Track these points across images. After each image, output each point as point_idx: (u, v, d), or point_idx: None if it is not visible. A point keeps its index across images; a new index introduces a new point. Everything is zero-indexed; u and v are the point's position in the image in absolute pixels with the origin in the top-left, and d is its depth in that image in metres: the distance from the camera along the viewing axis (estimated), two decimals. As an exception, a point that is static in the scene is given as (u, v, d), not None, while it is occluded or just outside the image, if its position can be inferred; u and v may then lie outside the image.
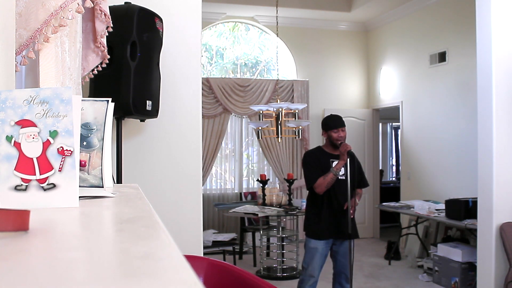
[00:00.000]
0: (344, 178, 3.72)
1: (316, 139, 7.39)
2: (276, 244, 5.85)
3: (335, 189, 3.72)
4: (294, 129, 5.38)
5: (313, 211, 3.86)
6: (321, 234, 3.77)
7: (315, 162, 3.81)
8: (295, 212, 5.54)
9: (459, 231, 5.66)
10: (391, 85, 7.47)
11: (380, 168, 8.69)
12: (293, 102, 7.17)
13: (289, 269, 5.70)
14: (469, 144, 5.53)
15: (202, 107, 2.98)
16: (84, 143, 1.15)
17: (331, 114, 3.90)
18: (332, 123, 3.78)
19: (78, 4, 1.44)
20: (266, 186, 6.01)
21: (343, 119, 3.86)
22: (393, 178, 10.84)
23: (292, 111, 5.48)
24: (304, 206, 5.69)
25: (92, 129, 1.16)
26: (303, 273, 3.86)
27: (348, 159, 3.64)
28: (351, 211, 3.68)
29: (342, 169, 3.75)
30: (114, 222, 0.84)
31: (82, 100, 1.12)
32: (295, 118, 5.47)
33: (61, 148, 0.89)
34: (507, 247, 3.61)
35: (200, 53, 2.98)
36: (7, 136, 0.87)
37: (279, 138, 5.47)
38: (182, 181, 2.86)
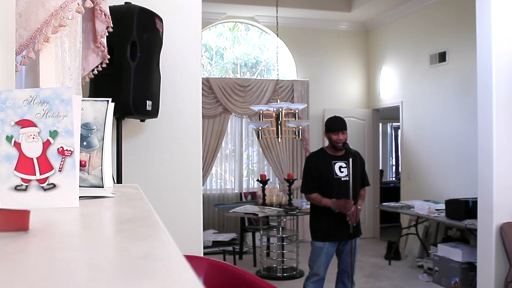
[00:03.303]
0: (347, 179, 3.72)
1: (316, 139, 7.39)
2: (276, 244, 5.85)
3: (339, 190, 3.73)
4: (294, 129, 5.38)
5: (316, 214, 3.88)
6: (326, 236, 3.78)
7: (311, 169, 3.84)
8: (295, 212, 5.54)
9: (459, 231, 5.66)
10: (391, 85, 7.47)
11: (380, 168, 8.69)
12: (293, 102, 7.17)
13: (289, 269, 5.69)
14: (469, 144, 5.53)
15: (202, 107, 2.98)
16: (84, 143, 1.15)
17: (334, 116, 3.91)
18: (333, 126, 3.79)
19: (78, 4, 1.44)
20: (266, 186, 6.01)
21: (344, 119, 3.87)
22: (393, 178, 10.84)
23: (292, 111, 5.48)
24: (304, 206, 5.71)
25: (92, 129, 1.16)
26: (309, 271, 3.89)
27: (351, 159, 3.64)
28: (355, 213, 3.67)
29: (345, 170, 3.76)
30: (114, 222, 0.84)
31: (82, 100, 1.12)
32: (295, 118, 5.47)
33: (61, 148, 0.89)
34: (507, 247, 3.61)
35: (200, 53, 2.98)
36: (7, 136, 0.87)
37: (279, 138, 5.47)
38: (182, 181, 2.86)
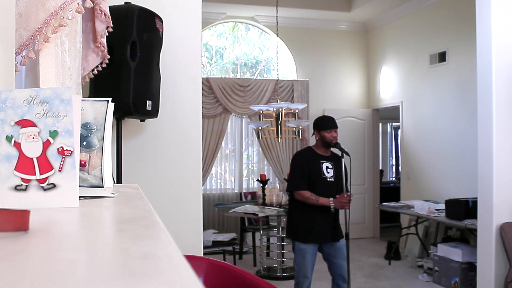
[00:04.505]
0: (332, 180, 3.73)
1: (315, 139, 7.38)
2: (276, 244, 5.85)
3: (324, 190, 3.71)
4: (294, 129, 5.38)
5: (298, 214, 3.82)
6: (308, 237, 3.75)
7: (303, 166, 3.79)
8: (295, 212, 5.53)
9: (459, 231, 5.66)
10: (391, 85, 7.47)
11: (380, 168, 8.69)
12: (293, 102, 7.17)
13: (289, 269, 5.69)
14: (469, 144, 5.53)
15: (202, 107, 2.98)
16: (84, 143, 1.15)
17: (323, 115, 3.94)
18: (326, 123, 3.79)
19: (78, 4, 1.44)
20: (266, 186, 6.01)
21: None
22: (393, 178, 10.84)
23: (292, 111, 5.48)
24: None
25: (92, 129, 1.16)
26: (297, 276, 3.85)
27: (343, 159, 3.65)
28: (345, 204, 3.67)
29: (331, 171, 3.76)
30: (114, 222, 0.84)
31: (82, 100, 1.12)
32: (295, 118, 5.47)
33: (61, 148, 0.89)
34: (507, 247, 3.61)
35: (200, 53, 2.98)
36: (7, 136, 0.87)
37: (279, 138, 5.47)
38: (182, 181, 2.86)
